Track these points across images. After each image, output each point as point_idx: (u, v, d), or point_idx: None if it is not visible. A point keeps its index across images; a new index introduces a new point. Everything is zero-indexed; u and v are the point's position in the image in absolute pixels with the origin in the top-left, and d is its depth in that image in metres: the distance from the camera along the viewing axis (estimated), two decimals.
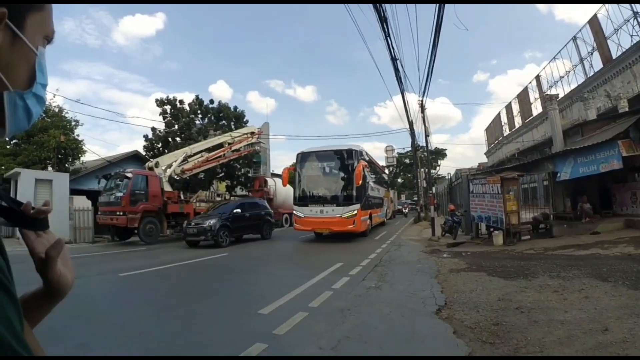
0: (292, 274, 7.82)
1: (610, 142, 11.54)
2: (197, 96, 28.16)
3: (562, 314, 4.73)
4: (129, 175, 15.94)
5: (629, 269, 6.85)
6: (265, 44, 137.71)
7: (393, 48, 13.68)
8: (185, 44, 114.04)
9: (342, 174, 15.35)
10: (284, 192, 25.83)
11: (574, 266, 7.49)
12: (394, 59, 14.81)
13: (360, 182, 14.32)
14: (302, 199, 15.57)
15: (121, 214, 15.10)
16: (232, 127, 27.80)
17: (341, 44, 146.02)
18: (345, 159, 15.15)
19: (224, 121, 28.51)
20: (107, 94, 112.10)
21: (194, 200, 18.79)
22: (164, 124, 25.71)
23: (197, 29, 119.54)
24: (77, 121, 21.41)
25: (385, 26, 11.78)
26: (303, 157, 16.23)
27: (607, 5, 22.70)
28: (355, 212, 14.28)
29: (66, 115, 21.32)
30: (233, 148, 23.87)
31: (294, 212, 15.67)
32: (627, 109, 16.69)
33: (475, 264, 8.58)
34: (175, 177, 19.54)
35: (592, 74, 25.40)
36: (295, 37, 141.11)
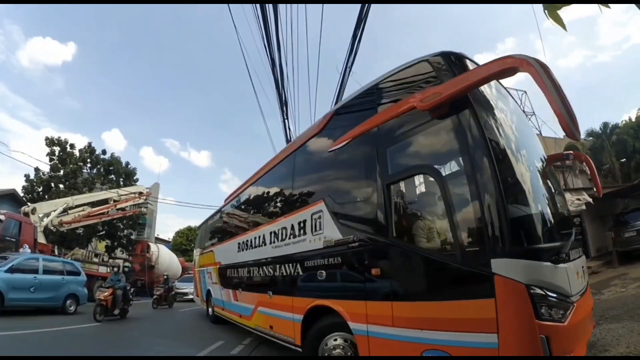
0: (170, 350, 6.94)
1: None
2: (89, 143, 27.44)
3: None
4: (1, 217, 14.72)
5: None
6: (169, 101, 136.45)
7: (289, 129, 13.58)
8: (88, 83, 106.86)
9: None
10: (167, 260, 25.54)
11: None
12: (289, 141, 13.85)
13: None
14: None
15: None
16: (121, 183, 27.32)
17: (243, 115, 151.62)
18: None
19: (113, 175, 27.78)
20: None
21: (69, 259, 16.98)
22: (49, 167, 24.11)
23: (104, 71, 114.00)
24: None
25: (284, 108, 11.89)
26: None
27: None
28: None
29: None
30: (118, 206, 23.57)
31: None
32: None
33: None
34: (52, 228, 18.58)
35: None
36: (198, 100, 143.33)
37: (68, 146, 25.66)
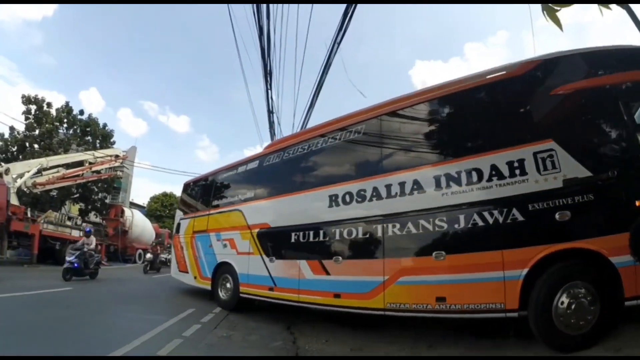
0: (140, 317, 7.08)
1: None
2: (67, 102, 27.02)
3: None
4: None
5: None
6: (150, 61, 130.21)
7: (272, 99, 13.19)
8: (68, 39, 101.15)
9: None
10: (141, 226, 25.63)
11: None
12: (270, 112, 14.19)
13: None
14: None
15: None
16: (97, 145, 27.15)
17: (224, 82, 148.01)
18: None
19: (89, 137, 27.53)
20: None
21: (42, 221, 17.23)
22: (24, 126, 23.69)
23: (85, 27, 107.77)
24: None
25: (269, 78, 11.50)
26: None
27: None
28: None
29: None
30: (94, 169, 23.50)
31: None
32: None
33: None
34: (25, 189, 18.53)
35: None
36: (180, 63, 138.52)
37: (45, 105, 25.22)
